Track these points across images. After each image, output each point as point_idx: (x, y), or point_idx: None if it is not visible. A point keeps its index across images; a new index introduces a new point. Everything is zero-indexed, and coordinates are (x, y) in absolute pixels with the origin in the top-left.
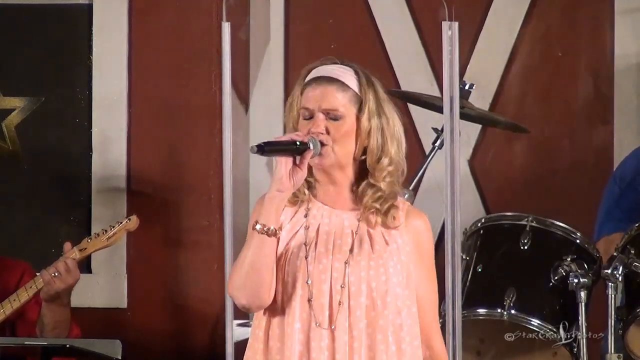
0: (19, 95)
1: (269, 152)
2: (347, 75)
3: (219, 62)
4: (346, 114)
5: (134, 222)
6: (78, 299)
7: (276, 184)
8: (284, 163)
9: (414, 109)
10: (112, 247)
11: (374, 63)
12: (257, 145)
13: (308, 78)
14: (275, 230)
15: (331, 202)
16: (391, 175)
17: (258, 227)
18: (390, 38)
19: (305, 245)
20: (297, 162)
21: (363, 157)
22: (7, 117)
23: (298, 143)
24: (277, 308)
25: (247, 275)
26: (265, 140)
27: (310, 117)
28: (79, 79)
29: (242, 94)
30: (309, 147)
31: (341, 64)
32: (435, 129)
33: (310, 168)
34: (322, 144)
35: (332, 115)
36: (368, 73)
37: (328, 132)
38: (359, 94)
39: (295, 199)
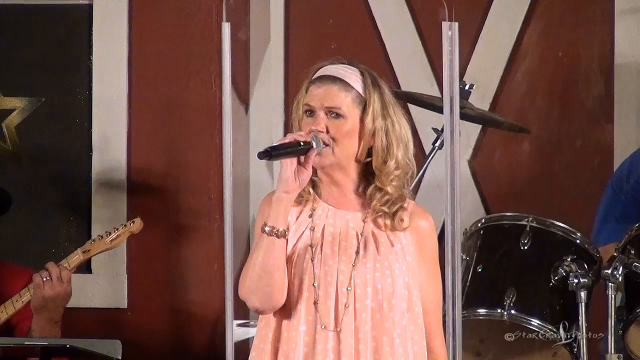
0: (19, 95)
1: (276, 156)
2: (352, 76)
3: (219, 62)
4: (348, 114)
5: (137, 224)
6: (78, 299)
7: (283, 186)
8: (289, 164)
9: (414, 109)
10: None
11: (374, 63)
12: (263, 152)
13: (314, 76)
14: (284, 232)
15: (335, 203)
16: (398, 178)
17: (267, 229)
18: (390, 38)
19: (311, 247)
20: (302, 161)
21: (368, 159)
22: (7, 117)
23: (302, 143)
24: (282, 310)
25: (259, 278)
26: (271, 145)
27: (312, 114)
28: (79, 79)
29: (242, 94)
30: (313, 146)
31: (349, 64)
32: (435, 129)
33: (314, 167)
34: (324, 144)
35: (334, 114)
36: (376, 75)
37: (328, 131)
38: (363, 95)
39: (300, 198)
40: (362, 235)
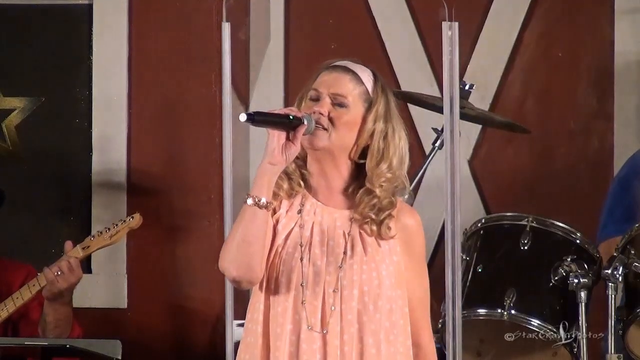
0: (19, 95)
1: (259, 122)
2: (364, 74)
3: (219, 62)
4: (352, 105)
5: (137, 220)
6: (78, 299)
7: (268, 157)
8: (276, 136)
9: (414, 109)
10: (112, 247)
11: (374, 63)
12: (247, 114)
13: (327, 65)
14: (267, 203)
15: (324, 199)
16: (389, 182)
17: (249, 200)
18: (390, 38)
19: (301, 246)
20: (290, 137)
21: (362, 161)
22: (7, 117)
23: (291, 117)
24: (269, 307)
25: (238, 248)
26: (258, 110)
27: (317, 99)
28: (79, 79)
29: (242, 94)
30: (303, 122)
31: (363, 65)
32: (435, 129)
33: (305, 158)
34: (322, 127)
35: (339, 101)
36: (386, 84)
37: (330, 117)
38: (371, 94)
39: (291, 191)
40: (349, 235)
